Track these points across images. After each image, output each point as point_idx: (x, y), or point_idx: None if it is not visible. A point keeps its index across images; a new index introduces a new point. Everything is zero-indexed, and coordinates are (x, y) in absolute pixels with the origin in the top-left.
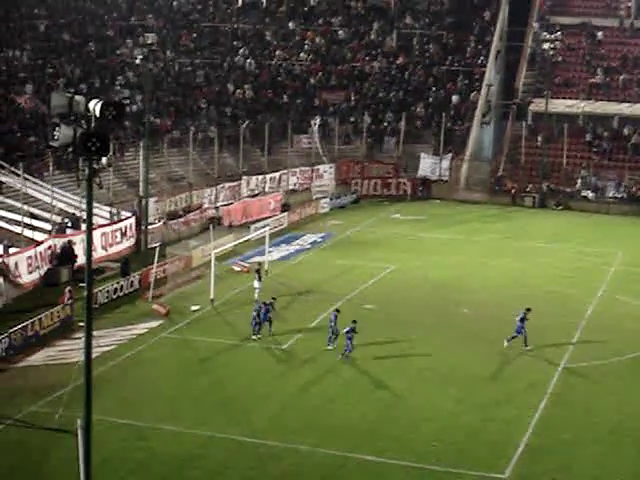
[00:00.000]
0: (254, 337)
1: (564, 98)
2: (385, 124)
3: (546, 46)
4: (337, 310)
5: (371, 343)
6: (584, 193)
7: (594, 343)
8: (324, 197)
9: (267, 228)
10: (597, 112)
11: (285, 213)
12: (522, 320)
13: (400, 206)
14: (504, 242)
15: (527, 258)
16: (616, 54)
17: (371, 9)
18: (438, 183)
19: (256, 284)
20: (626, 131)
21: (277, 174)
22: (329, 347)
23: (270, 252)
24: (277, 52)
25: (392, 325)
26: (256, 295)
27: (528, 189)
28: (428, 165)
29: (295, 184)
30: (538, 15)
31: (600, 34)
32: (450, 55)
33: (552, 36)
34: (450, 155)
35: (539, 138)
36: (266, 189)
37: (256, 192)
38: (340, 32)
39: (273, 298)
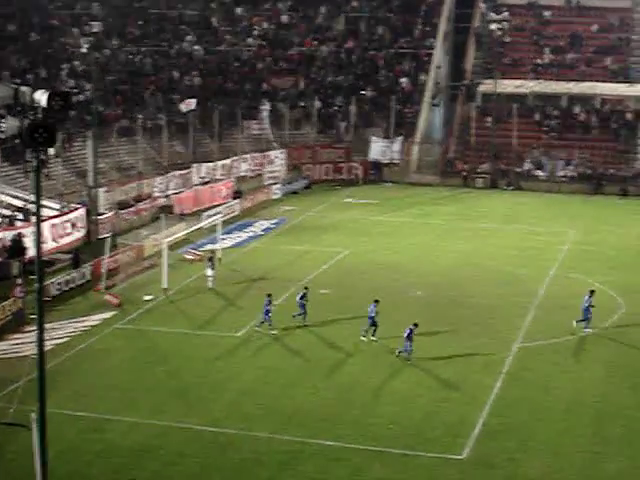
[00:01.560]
0: (260, 328)
1: (513, 78)
2: (335, 108)
3: (494, 27)
4: (376, 300)
5: (327, 328)
6: (535, 173)
7: (548, 322)
8: (276, 183)
9: (219, 215)
10: (546, 91)
11: (237, 200)
12: (588, 303)
13: (352, 190)
14: (456, 224)
15: (479, 239)
16: (563, 33)
17: None
18: (389, 166)
19: (209, 272)
20: (575, 110)
21: (228, 161)
22: (372, 338)
23: (223, 239)
24: (224, 38)
25: (347, 309)
26: (209, 284)
27: (479, 170)
28: (379, 148)
29: (246, 170)
30: None
31: (547, 13)
32: (398, 38)
33: (499, 16)
34: (401, 138)
35: (489, 119)
36: (217, 176)
37: (207, 179)
38: (287, 17)
39: (306, 288)
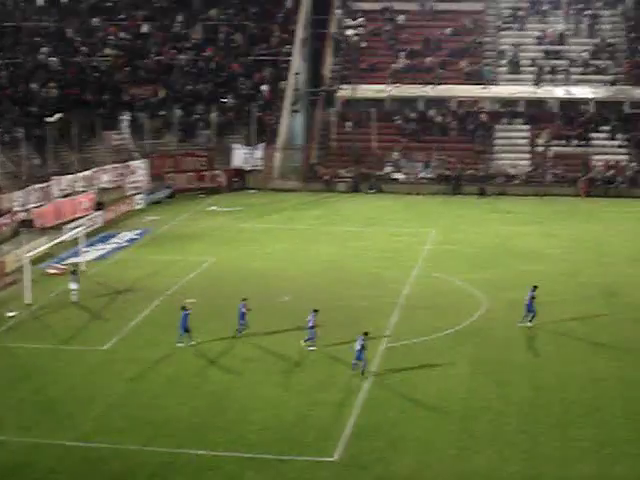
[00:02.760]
0: (183, 343)
1: (371, 83)
2: (196, 117)
3: (350, 32)
4: (315, 310)
5: (194, 336)
6: (395, 175)
7: (413, 322)
8: (138, 193)
9: (81, 228)
10: (403, 95)
11: (99, 212)
12: (532, 298)
13: (216, 198)
14: (321, 228)
15: (344, 242)
16: (418, 37)
17: (174, 2)
18: (253, 173)
19: (73, 286)
20: (431, 112)
21: (88, 172)
22: (311, 348)
23: (86, 252)
24: (81, 49)
25: (214, 317)
26: (74, 297)
27: (341, 174)
28: (241, 156)
29: (108, 182)
30: (340, 1)
31: (401, 18)
32: (256, 45)
33: (355, 22)
34: (262, 145)
35: (349, 124)
36: (78, 188)
37: (67, 192)
38: (144, 26)
39: (244, 299)
